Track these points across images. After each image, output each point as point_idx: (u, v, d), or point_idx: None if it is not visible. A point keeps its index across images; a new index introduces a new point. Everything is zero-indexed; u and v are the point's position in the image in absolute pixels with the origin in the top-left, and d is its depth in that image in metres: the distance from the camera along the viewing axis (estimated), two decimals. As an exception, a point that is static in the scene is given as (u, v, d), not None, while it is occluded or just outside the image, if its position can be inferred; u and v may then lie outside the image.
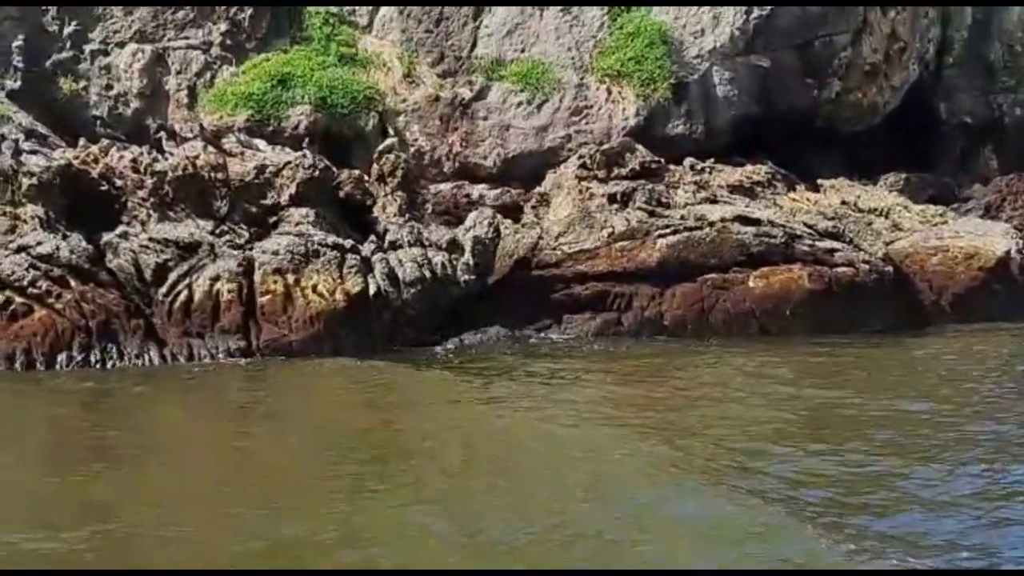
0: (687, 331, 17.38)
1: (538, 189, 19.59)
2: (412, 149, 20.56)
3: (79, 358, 16.34)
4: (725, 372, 14.97)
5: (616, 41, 21.03)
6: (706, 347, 16.59)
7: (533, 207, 18.75)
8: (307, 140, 18.80)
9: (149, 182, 17.39)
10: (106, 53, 21.31)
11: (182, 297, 16.75)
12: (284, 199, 17.65)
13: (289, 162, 17.82)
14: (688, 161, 19.59)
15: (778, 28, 21.28)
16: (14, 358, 16.23)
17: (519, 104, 20.86)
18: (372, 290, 16.97)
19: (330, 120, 20.24)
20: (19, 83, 20.85)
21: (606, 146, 18.87)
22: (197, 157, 17.66)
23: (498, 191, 20.69)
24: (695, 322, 17.42)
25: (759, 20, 21.32)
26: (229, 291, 16.74)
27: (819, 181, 20.14)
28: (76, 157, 17.96)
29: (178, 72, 21.26)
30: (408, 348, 16.94)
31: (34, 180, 17.18)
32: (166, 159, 17.88)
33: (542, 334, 17.43)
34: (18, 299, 16.46)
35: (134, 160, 17.91)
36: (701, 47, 21.23)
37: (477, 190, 20.74)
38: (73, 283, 16.62)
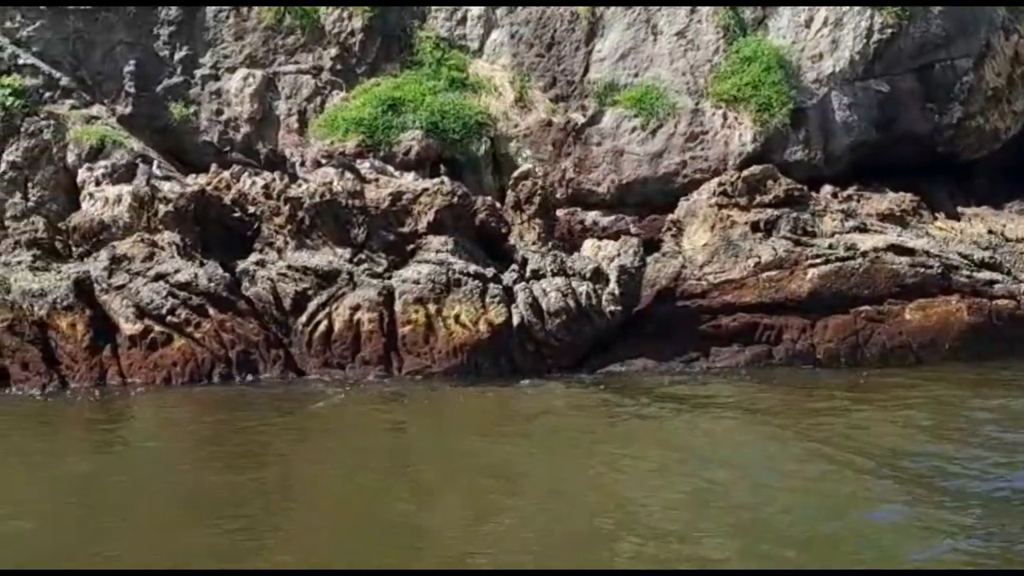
0: (840, 364, 17.19)
1: (671, 216, 19.49)
2: (525, 174, 20.48)
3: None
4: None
5: (732, 66, 20.94)
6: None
7: (674, 236, 18.61)
8: (441, 168, 18.82)
9: (285, 209, 17.42)
10: (216, 78, 21.37)
11: (322, 327, 16.78)
12: (422, 226, 17.66)
13: (427, 189, 17.84)
14: (827, 188, 19.46)
15: (898, 52, 21.16)
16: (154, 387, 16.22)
17: (633, 129, 20.81)
18: (516, 321, 16.93)
19: (442, 145, 20.23)
20: (130, 108, 20.95)
21: (747, 172, 18.80)
22: (332, 183, 17.64)
23: (612, 218, 20.66)
24: (848, 355, 17.31)
25: (879, 44, 21.20)
26: (370, 321, 16.76)
27: (960, 209, 19.98)
28: (208, 183, 18.00)
29: (288, 97, 21.32)
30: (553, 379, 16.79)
31: (170, 207, 17.30)
32: (299, 185, 17.86)
33: (690, 367, 17.20)
34: (157, 328, 16.57)
35: (266, 186, 18.00)
36: (820, 71, 21.12)
37: (591, 216, 20.71)
38: (212, 312, 16.72)
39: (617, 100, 21.07)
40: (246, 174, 18.29)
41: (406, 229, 17.73)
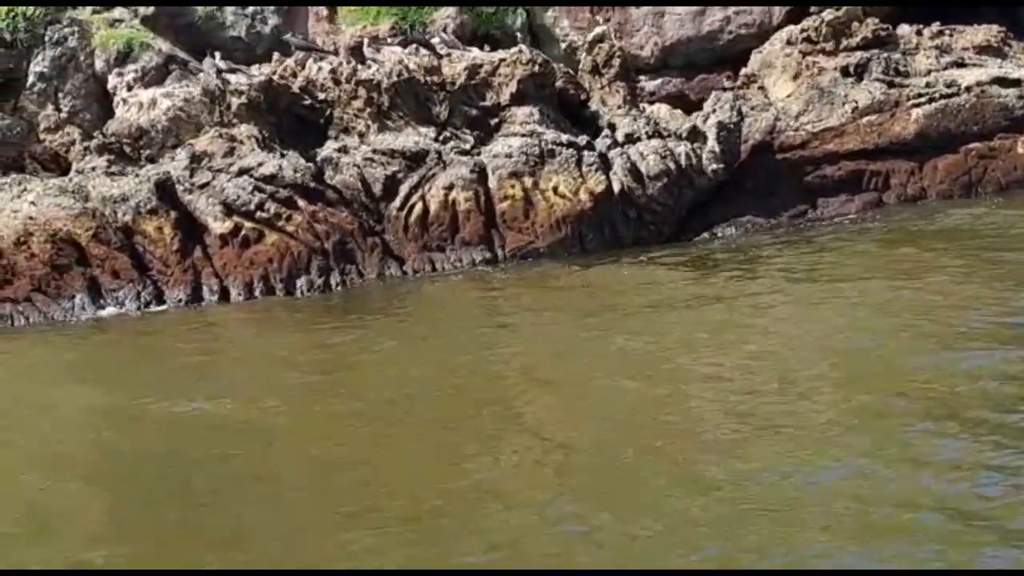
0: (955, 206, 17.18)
1: (744, 71, 19.33)
2: (563, 44, 20.27)
3: (319, 281, 16.25)
4: None
5: (767, -83, 20.60)
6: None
7: (760, 88, 18.43)
8: (518, 36, 18.51)
9: (362, 92, 17.13)
10: (239, -31, 20.80)
11: (417, 210, 16.68)
12: (504, 99, 17.53)
13: (504, 59, 17.70)
14: (905, 27, 19.18)
15: None
16: (252, 286, 16.15)
17: None
18: (616, 188, 16.81)
19: (477, 21, 19.93)
20: (152, 8, 20.50)
21: (830, 16, 18.66)
22: (406, 61, 17.39)
23: (658, 82, 20.49)
24: (962, 195, 17.27)
25: None
26: (466, 200, 16.66)
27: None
28: (274, 72, 17.68)
29: (316, -16, 20.79)
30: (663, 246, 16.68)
31: (243, 99, 17.11)
32: (369, 67, 17.56)
33: (799, 220, 17.13)
34: (248, 224, 16.43)
35: (334, 70, 17.75)
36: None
37: (637, 82, 20.44)
38: (301, 203, 16.59)
39: (654, -42, 20.79)
40: (311, 60, 17.98)
41: (488, 103, 17.57)
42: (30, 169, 18.68)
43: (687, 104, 19.50)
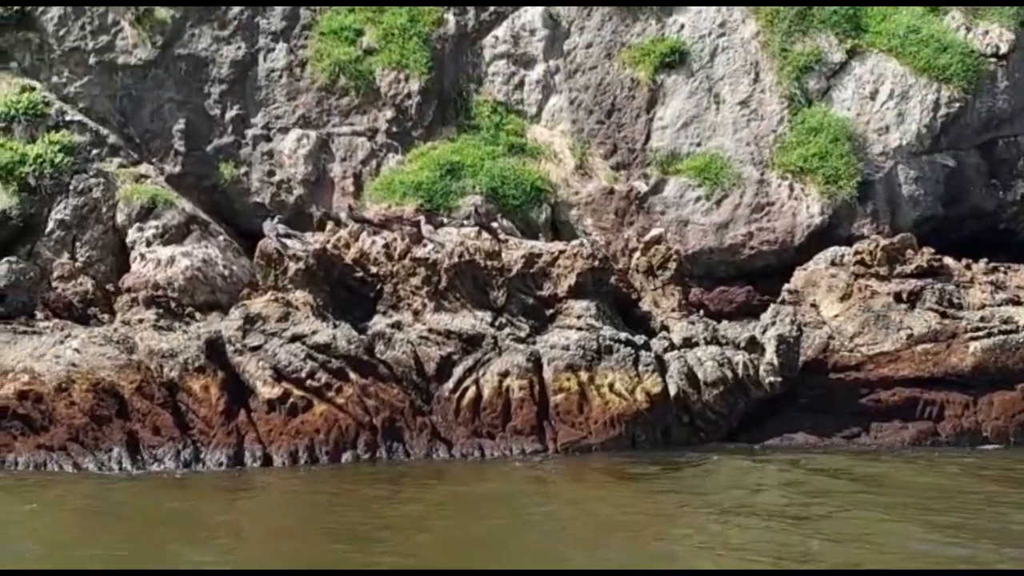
0: (1010, 443, 17.52)
1: (787, 286, 19.76)
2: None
3: (365, 457, 16.24)
4: None
5: (797, 136, 21.56)
6: None
7: (813, 305, 18.78)
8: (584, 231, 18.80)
9: (421, 270, 17.23)
10: (268, 139, 21.42)
11: (470, 394, 16.73)
12: (562, 290, 17.70)
13: (563, 251, 17.93)
14: (948, 260, 19.72)
15: (964, 127, 21.91)
16: (297, 456, 16.06)
17: (697, 199, 21.25)
18: (672, 391, 16.93)
19: (501, 211, 20.38)
20: (179, 167, 20.95)
21: (886, 241, 19.29)
22: (467, 244, 17.58)
23: (678, 290, 20.72)
24: (1018, 433, 17.64)
25: (946, 118, 21.90)
26: (520, 388, 16.84)
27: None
28: (327, 241, 17.75)
29: (343, 159, 21.47)
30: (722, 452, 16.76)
31: (301, 264, 17.10)
32: (425, 245, 17.71)
33: (853, 442, 17.35)
34: (296, 392, 16.43)
35: (387, 245, 17.84)
36: (886, 144, 21.84)
37: (655, 288, 20.78)
38: (353, 376, 16.56)
39: (680, 169, 21.54)
40: (364, 233, 18.11)
41: (544, 292, 17.76)
42: (41, 316, 18.50)
43: (706, 314, 19.80)
